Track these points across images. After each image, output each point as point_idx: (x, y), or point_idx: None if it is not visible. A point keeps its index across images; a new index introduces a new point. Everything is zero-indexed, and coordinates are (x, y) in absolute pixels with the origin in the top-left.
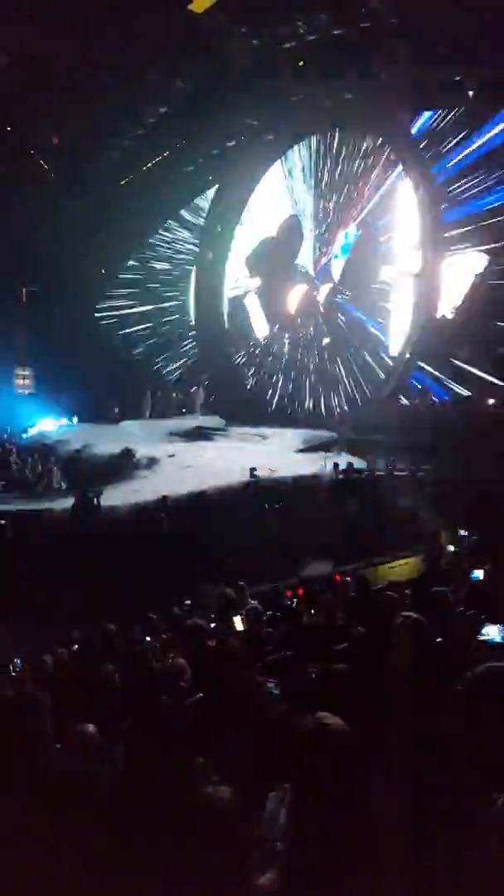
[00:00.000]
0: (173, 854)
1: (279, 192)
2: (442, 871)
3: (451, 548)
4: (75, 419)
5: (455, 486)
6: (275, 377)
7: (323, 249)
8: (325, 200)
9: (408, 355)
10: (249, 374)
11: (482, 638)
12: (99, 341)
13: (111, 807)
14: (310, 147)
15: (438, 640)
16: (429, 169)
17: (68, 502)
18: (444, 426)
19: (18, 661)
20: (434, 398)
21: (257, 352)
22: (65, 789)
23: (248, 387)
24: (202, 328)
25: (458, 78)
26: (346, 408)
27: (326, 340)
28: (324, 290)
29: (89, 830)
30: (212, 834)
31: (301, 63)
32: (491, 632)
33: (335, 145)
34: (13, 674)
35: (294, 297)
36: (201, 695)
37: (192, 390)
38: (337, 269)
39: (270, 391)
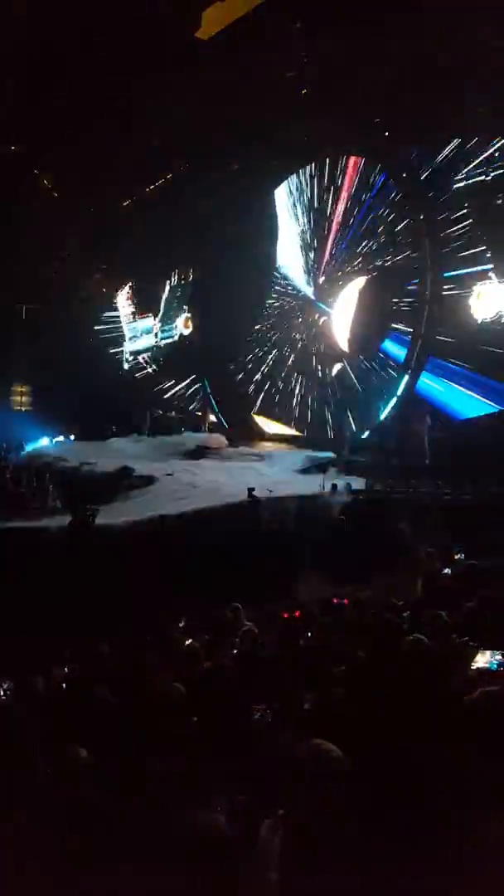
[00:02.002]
0: (167, 883)
1: (286, 213)
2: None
3: (447, 571)
4: (72, 437)
5: (452, 508)
6: (277, 397)
7: (320, 273)
8: (322, 224)
9: (407, 377)
10: (252, 394)
11: (476, 665)
12: (97, 359)
13: (103, 834)
14: (309, 172)
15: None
16: (429, 196)
17: (64, 521)
18: (443, 448)
19: (8, 682)
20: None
21: (260, 372)
22: (55, 815)
23: (251, 407)
24: (203, 348)
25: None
26: (345, 429)
27: (338, 366)
28: (337, 314)
29: (80, 859)
30: (206, 863)
31: (304, 91)
32: (486, 657)
33: (335, 170)
34: (2, 696)
35: (295, 320)
36: (195, 718)
37: (199, 410)
38: None
39: (273, 411)
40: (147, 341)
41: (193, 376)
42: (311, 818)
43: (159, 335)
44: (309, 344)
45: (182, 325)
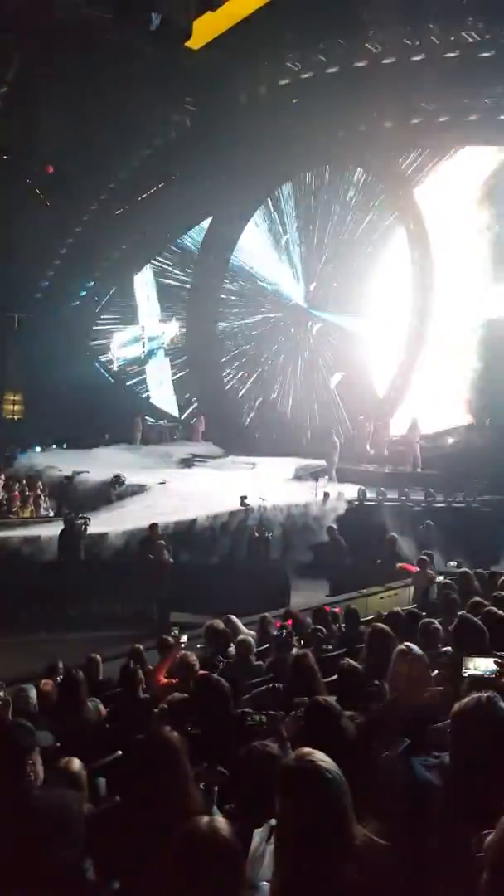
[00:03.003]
0: (169, 890)
1: (269, 225)
2: None
3: (440, 578)
4: (64, 445)
5: (444, 515)
6: (268, 406)
7: (312, 279)
8: (312, 233)
9: (398, 385)
10: (243, 402)
11: (468, 672)
12: (89, 368)
13: (97, 843)
14: (301, 181)
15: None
16: (418, 206)
17: (56, 529)
18: (434, 457)
19: (1, 691)
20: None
21: (251, 382)
22: (47, 826)
23: (242, 416)
24: (195, 358)
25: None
26: (337, 437)
27: (338, 377)
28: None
29: (73, 868)
30: (209, 868)
31: (295, 100)
32: (477, 664)
33: (326, 180)
34: None
35: (286, 330)
36: (189, 728)
37: (194, 420)
38: None
39: (264, 420)
40: (135, 350)
41: (185, 385)
42: (302, 828)
43: (146, 344)
44: (302, 354)
45: (170, 334)
